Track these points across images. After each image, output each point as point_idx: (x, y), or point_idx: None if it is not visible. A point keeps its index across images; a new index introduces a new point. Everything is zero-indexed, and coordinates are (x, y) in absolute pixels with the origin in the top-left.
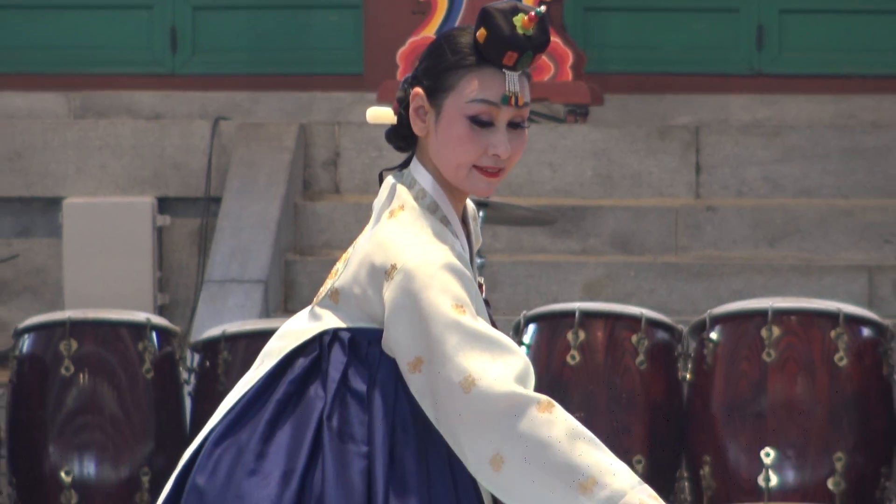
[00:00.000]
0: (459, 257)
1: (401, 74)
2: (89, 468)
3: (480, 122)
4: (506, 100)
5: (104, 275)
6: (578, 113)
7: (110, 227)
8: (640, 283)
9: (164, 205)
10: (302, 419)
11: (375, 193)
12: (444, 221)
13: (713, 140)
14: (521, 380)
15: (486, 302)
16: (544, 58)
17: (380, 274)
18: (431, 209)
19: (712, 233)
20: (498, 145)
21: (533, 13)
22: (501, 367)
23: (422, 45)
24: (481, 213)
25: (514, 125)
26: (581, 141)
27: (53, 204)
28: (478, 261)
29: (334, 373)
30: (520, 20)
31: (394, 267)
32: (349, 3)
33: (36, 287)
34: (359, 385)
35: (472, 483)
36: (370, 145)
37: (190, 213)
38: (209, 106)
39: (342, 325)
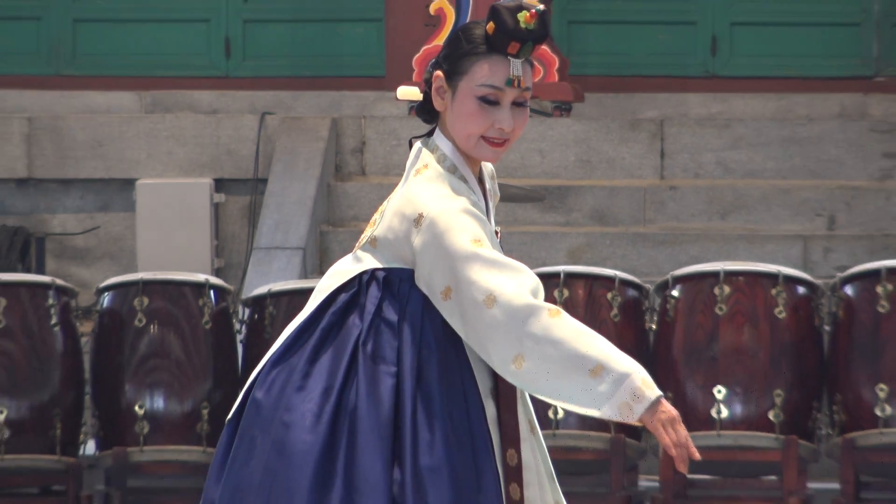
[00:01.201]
0: (475, 205)
1: (416, 77)
2: (158, 403)
3: (488, 102)
4: (510, 82)
5: (170, 243)
6: (563, 108)
7: (175, 203)
8: (614, 250)
9: (219, 185)
10: (341, 344)
11: (396, 175)
12: (462, 179)
13: (674, 131)
14: (534, 293)
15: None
16: (535, 62)
17: (409, 222)
18: (451, 170)
19: (674, 208)
20: (502, 121)
21: (534, 10)
22: (517, 284)
23: (433, 51)
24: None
25: (517, 104)
26: (565, 132)
27: (128, 184)
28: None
29: (370, 305)
30: (523, 16)
31: (421, 216)
32: (373, 18)
33: (114, 253)
34: (391, 316)
35: (479, 400)
36: (391, 136)
37: (241, 191)
38: (257, 103)
39: (379, 265)
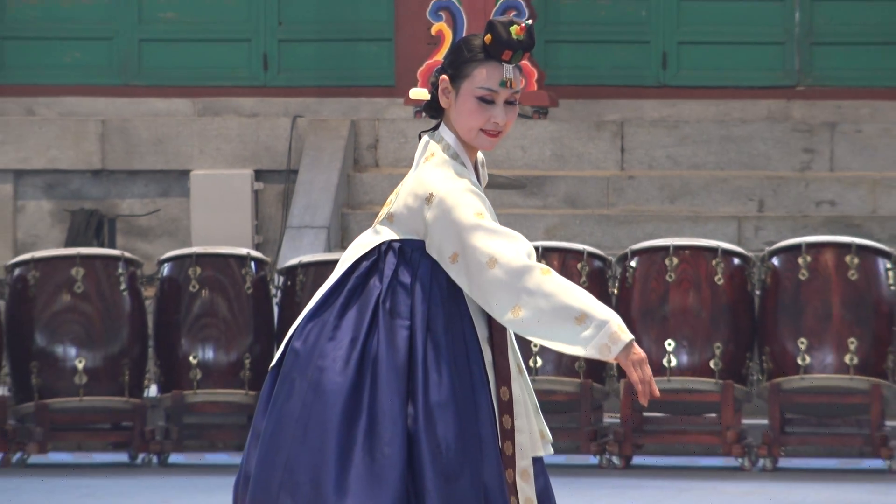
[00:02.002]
0: (475, 185)
1: (420, 86)
2: (209, 354)
3: (486, 101)
4: (503, 84)
5: (218, 222)
6: (541, 112)
7: (222, 190)
8: (582, 229)
9: (258, 175)
10: (364, 303)
11: (404, 167)
12: (463, 165)
13: (632, 131)
14: (528, 255)
15: None
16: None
17: (422, 200)
18: (454, 157)
19: (632, 194)
20: (497, 116)
21: (523, 24)
22: (514, 248)
23: (434, 65)
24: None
25: (508, 102)
26: (542, 132)
27: (184, 175)
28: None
29: (388, 270)
30: (515, 29)
31: (431, 195)
32: (384, 38)
33: (172, 231)
34: (405, 279)
35: (478, 346)
36: (399, 135)
37: (276, 180)
38: (289, 108)
39: (395, 237)
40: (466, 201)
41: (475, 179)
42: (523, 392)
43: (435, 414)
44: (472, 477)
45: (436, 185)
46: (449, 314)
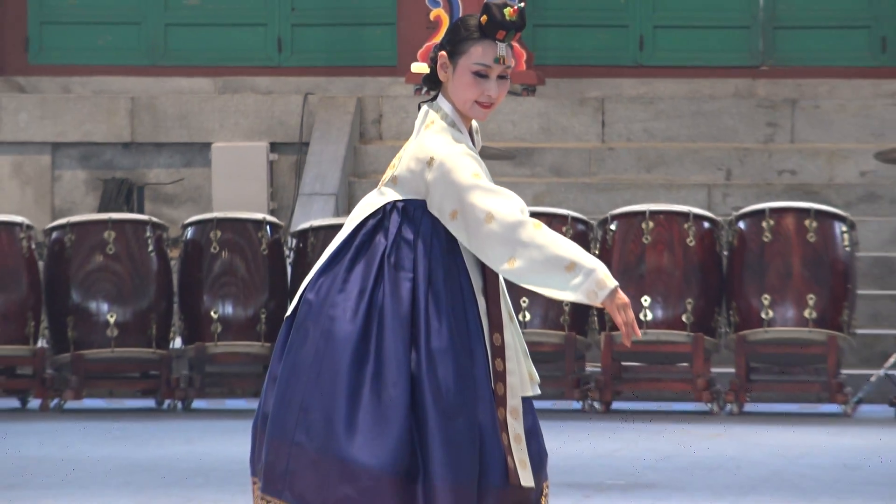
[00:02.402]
0: (471, 149)
1: None
2: (228, 309)
3: (480, 75)
4: (497, 60)
5: (237, 190)
6: (529, 90)
7: (241, 160)
8: (567, 195)
9: (273, 147)
10: (371, 257)
11: (406, 139)
12: (459, 132)
13: (612, 107)
14: (521, 211)
15: None
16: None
17: (423, 164)
18: (451, 125)
19: (612, 164)
20: (491, 90)
21: (516, 6)
22: (509, 205)
23: (432, 46)
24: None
25: (501, 77)
26: (530, 107)
27: (206, 147)
28: None
29: (392, 228)
30: (508, 11)
31: (432, 158)
32: (388, 22)
33: (195, 198)
34: (408, 235)
35: (473, 296)
36: (401, 110)
37: (290, 152)
38: (301, 86)
39: (399, 197)
40: (464, 163)
41: (471, 144)
42: (514, 338)
43: (436, 359)
44: (468, 415)
45: (436, 149)
46: (448, 267)
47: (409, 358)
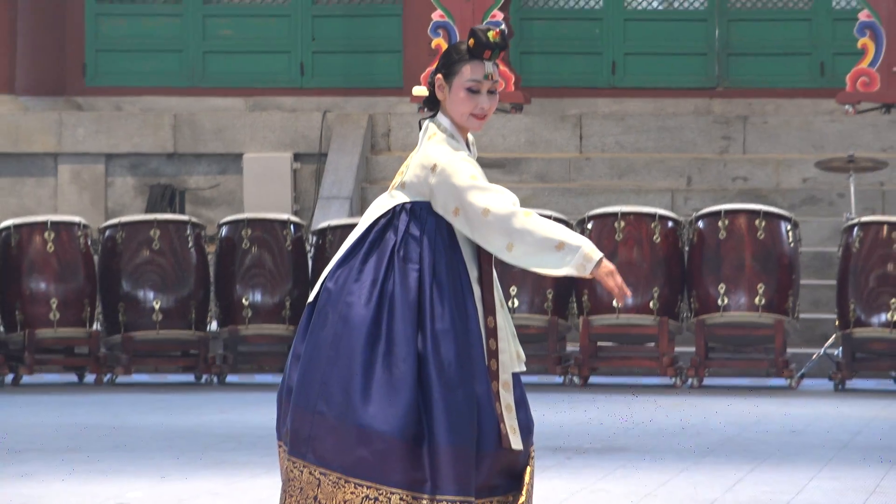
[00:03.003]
0: (469, 156)
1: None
2: (257, 297)
3: (472, 91)
4: (486, 77)
5: (265, 194)
6: (517, 108)
7: (268, 169)
8: (549, 199)
9: (297, 157)
10: (382, 251)
11: (411, 150)
12: (458, 142)
13: (589, 122)
14: (514, 203)
15: None
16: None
17: (427, 170)
18: (450, 136)
19: (588, 172)
20: (483, 103)
21: (498, 30)
22: (502, 200)
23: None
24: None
25: (490, 92)
26: (518, 123)
27: (238, 157)
28: None
29: (402, 226)
30: (491, 34)
31: (435, 165)
32: (395, 50)
33: (229, 201)
34: (415, 232)
35: (470, 285)
36: (406, 126)
37: (310, 161)
38: (321, 105)
39: (407, 200)
40: (462, 168)
41: (468, 152)
42: (505, 321)
43: (439, 339)
44: (467, 388)
45: (438, 157)
46: (449, 260)
47: (415, 338)
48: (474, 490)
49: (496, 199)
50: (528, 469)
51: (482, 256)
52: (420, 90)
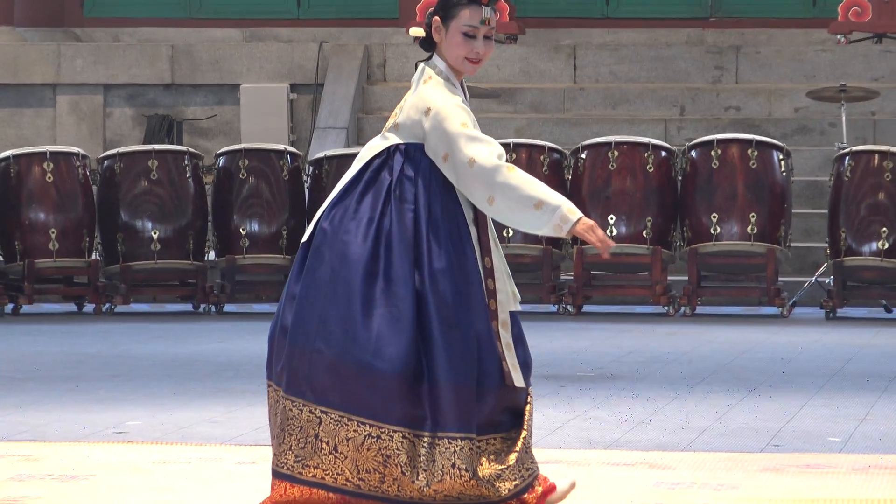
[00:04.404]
0: (464, 101)
1: (418, 18)
2: (254, 227)
3: (469, 36)
4: (482, 22)
5: (262, 125)
6: (512, 38)
7: (265, 99)
8: (544, 129)
9: (293, 88)
10: (378, 191)
11: (405, 81)
12: (453, 85)
13: (583, 53)
14: (499, 157)
15: None
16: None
17: (421, 112)
18: (446, 79)
19: (583, 102)
20: (478, 48)
21: None
22: (488, 152)
23: (430, 2)
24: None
25: (487, 37)
26: (513, 53)
27: (235, 88)
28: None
29: (396, 166)
30: None
31: (429, 109)
32: None
33: (226, 131)
34: (410, 173)
35: (466, 226)
36: (402, 56)
37: (307, 92)
38: (317, 35)
39: (401, 141)
40: (455, 114)
41: (463, 96)
42: (500, 260)
43: (437, 278)
44: (466, 326)
45: (433, 100)
46: (444, 201)
47: (413, 276)
48: (476, 427)
49: (483, 150)
50: (528, 407)
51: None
52: (417, 30)
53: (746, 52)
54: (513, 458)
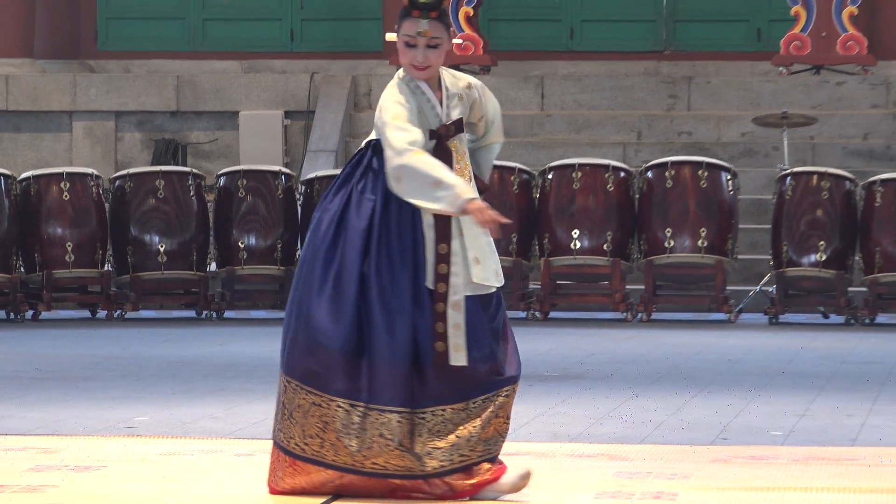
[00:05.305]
0: (409, 100)
1: None
2: (252, 240)
3: (409, 45)
4: (418, 33)
5: (259, 148)
6: (485, 69)
7: (262, 125)
8: (514, 152)
9: (287, 114)
10: (347, 185)
11: None
12: (416, 87)
13: (549, 82)
14: (412, 144)
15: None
16: (468, 42)
17: (376, 111)
18: (408, 82)
19: (550, 127)
20: (417, 57)
21: None
22: (403, 138)
23: None
24: None
25: (430, 46)
26: (486, 83)
27: (235, 114)
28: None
29: (365, 160)
30: None
31: (378, 106)
32: (375, 17)
33: (226, 154)
34: (375, 165)
35: (420, 213)
36: (385, 86)
37: (300, 118)
38: (309, 67)
39: (374, 138)
40: (389, 108)
41: (426, 98)
42: (462, 247)
43: (383, 265)
44: (403, 310)
45: (381, 99)
46: (362, 183)
47: (361, 262)
48: (414, 401)
49: (399, 136)
50: (501, 399)
51: None
52: (391, 36)
53: (697, 82)
54: (450, 439)
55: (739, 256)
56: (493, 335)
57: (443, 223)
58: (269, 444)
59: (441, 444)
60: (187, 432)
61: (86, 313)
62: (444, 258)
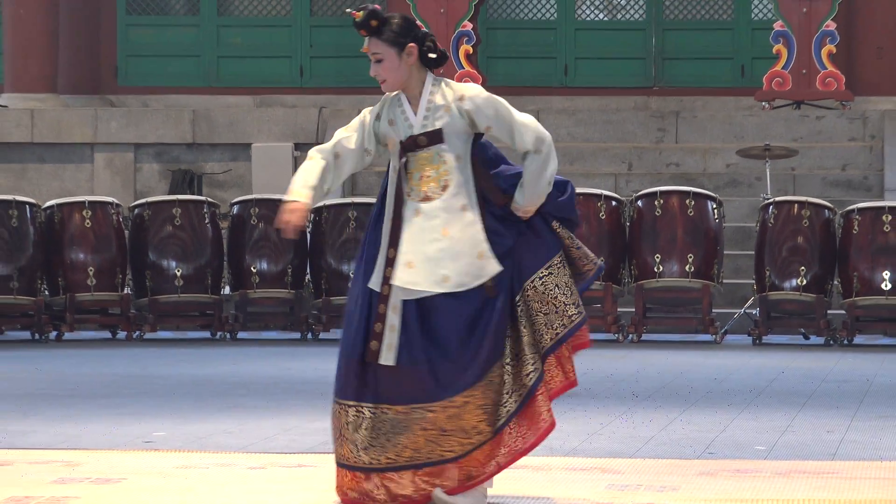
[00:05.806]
0: (395, 114)
1: None
2: (263, 265)
3: (372, 61)
4: (365, 50)
5: (270, 178)
6: None
7: (273, 157)
8: None
9: (297, 146)
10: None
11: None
12: (396, 100)
13: (545, 116)
14: (320, 150)
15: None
16: (467, 78)
17: None
18: (392, 94)
19: None
20: (372, 71)
21: (362, 9)
22: (322, 146)
23: None
24: None
25: (377, 61)
26: None
27: (247, 146)
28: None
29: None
30: (354, 14)
31: None
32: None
33: (239, 184)
34: (384, 179)
35: (382, 218)
36: None
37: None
38: (317, 102)
39: None
40: (350, 123)
41: (402, 109)
42: (416, 252)
43: (360, 271)
44: (353, 310)
45: None
46: (382, 195)
47: (361, 271)
48: (353, 395)
49: (328, 144)
50: (436, 407)
51: (396, 197)
52: None
53: (685, 116)
54: (401, 439)
55: (725, 281)
56: (459, 342)
57: (394, 229)
58: (280, 456)
59: (382, 444)
60: (202, 447)
61: (106, 334)
62: (390, 262)
